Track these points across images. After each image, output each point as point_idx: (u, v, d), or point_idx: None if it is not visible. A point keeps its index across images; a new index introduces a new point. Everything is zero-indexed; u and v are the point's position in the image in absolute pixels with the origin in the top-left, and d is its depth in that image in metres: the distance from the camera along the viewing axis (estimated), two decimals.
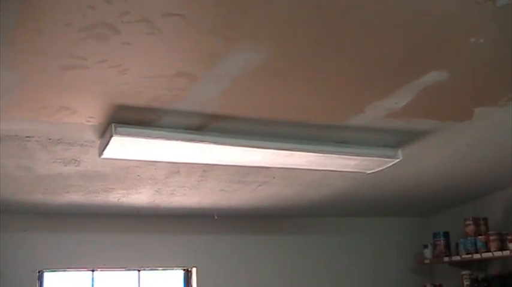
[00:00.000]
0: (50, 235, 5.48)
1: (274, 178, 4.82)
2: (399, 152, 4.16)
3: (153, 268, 5.92)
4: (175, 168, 4.33)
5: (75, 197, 4.87)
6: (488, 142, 4.47)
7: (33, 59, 2.58)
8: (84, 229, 5.59)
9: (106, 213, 5.53)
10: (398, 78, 3.18)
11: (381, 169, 4.35)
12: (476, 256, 5.89)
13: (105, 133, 3.42)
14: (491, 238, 5.76)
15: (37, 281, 5.40)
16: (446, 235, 6.40)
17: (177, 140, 3.46)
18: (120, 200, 5.07)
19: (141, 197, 5.01)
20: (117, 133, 3.28)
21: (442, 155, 4.69)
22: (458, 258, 6.14)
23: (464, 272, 6.13)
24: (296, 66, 2.92)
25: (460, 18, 2.60)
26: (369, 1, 2.40)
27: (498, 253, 5.66)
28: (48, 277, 5.52)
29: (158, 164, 4.19)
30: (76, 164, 4.06)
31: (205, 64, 2.78)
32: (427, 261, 6.54)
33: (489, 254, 5.76)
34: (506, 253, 5.58)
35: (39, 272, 5.43)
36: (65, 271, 5.60)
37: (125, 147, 3.48)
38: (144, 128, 3.36)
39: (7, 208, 5.02)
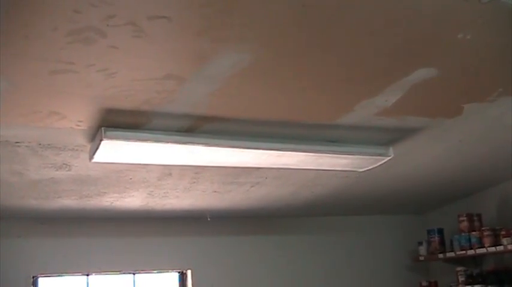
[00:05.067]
0: (44, 240, 5.46)
1: (266, 178, 4.82)
2: (391, 149, 4.16)
3: (148, 271, 5.91)
4: (167, 170, 4.33)
5: (68, 201, 4.86)
6: (479, 138, 4.48)
7: (21, 64, 2.58)
8: (78, 233, 5.58)
9: (99, 217, 5.52)
10: (387, 76, 3.19)
11: (373, 167, 4.35)
12: (471, 252, 5.90)
13: (95, 137, 3.42)
14: (485, 233, 5.77)
15: (32, 286, 5.39)
16: (440, 231, 6.42)
17: (168, 142, 3.46)
18: (113, 204, 5.06)
19: (134, 200, 5.00)
20: (107, 137, 3.28)
21: (434, 151, 4.70)
22: (452, 254, 6.15)
23: (459, 269, 6.15)
24: (285, 66, 2.92)
25: (447, 14, 2.61)
26: (356, 0, 2.41)
27: (492, 249, 5.67)
28: (42, 282, 5.50)
29: (150, 167, 4.18)
30: (67, 169, 4.05)
31: (193, 66, 2.78)
32: (422, 258, 6.55)
33: (483, 250, 5.77)
34: (500, 248, 5.59)
35: (33, 277, 5.41)
36: (59, 275, 5.58)
37: (116, 150, 3.47)
38: (134, 131, 3.36)
39: (0, 213, 5.01)
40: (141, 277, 5.87)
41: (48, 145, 3.61)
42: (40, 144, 3.59)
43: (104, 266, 5.68)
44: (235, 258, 6.18)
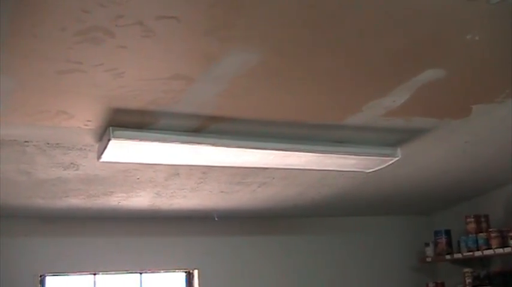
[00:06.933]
0: (51, 239, 5.48)
1: (273, 178, 4.82)
2: (398, 150, 4.15)
3: (155, 270, 5.92)
4: (175, 170, 4.33)
5: (76, 201, 4.87)
6: (487, 139, 4.47)
7: (29, 64, 2.59)
8: (85, 232, 5.59)
9: (107, 216, 5.53)
10: (395, 76, 3.18)
11: (380, 167, 4.34)
12: (478, 253, 5.88)
13: (103, 137, 3.42)
14: (493, 235, 5.75)
15: (39, 285, 5.40)
16: (447, 232, 6.40)
17: (175, 142, 3.46)
18: (120, 204, 5.07)
19: (141, 200, 5.01)
20: (115, 136, 3.28)
21: (442, 152, 4.69)
22: (460, 256, 6.13)
23: (466, 270, 6.13)
24: (292, 66, 2.92)
25: (455, 15, 2.60)
26: (362, 0, 2.41)
27: (499, 250, 5.66)
28: (50, 281, 5.52)
29: (157, 166, 4.19)
30: (75, 168, 4.06)
31: (201, 66, 2.79)
32: (429, 259, 6.53)
33: (490, 252, 5.75)
34: (507, 249, 5.57)
35: (41, 276, 5.43)
36: (66, 274, 5.59)
37: (123, 150, 3.48)
38: (141, 131, 3.36)
39: (8, 212, 5.02)
40: (147, 277, 5.88)
41: (56, 144, 3.62)
42: (48, 143, 3.60)
43: (110, 266, 5.69)
44: (241, 258, 6.18)
